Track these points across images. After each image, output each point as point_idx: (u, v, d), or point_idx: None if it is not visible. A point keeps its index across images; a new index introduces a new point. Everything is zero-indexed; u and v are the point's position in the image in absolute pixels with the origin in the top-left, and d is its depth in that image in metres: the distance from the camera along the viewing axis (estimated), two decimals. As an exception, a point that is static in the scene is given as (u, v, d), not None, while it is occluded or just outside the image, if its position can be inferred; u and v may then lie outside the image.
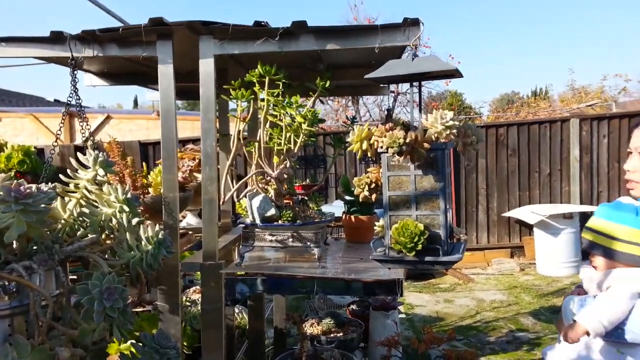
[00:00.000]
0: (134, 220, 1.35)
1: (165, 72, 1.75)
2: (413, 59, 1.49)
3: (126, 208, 1.26)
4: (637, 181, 1.58)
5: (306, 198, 2.71)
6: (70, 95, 1.75)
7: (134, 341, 1.27)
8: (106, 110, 10.25)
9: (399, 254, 1.51)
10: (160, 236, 1.28)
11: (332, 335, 2.69)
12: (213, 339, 1.81)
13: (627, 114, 7.60)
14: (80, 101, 1.74)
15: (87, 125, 1.74)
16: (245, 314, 3.05)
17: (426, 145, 1.45)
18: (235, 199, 2.16)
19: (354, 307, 3.14)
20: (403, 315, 4.34)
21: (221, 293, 1.77)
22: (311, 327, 2.81)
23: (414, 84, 1.57)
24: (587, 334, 1.47)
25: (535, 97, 20.70)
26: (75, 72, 1.76)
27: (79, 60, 1.77)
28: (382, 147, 1.47)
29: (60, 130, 1.88)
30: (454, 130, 1.47)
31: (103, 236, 1.42)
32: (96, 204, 1.32)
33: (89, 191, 1.32)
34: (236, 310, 3.13)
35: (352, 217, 2.25)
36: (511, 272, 7.10)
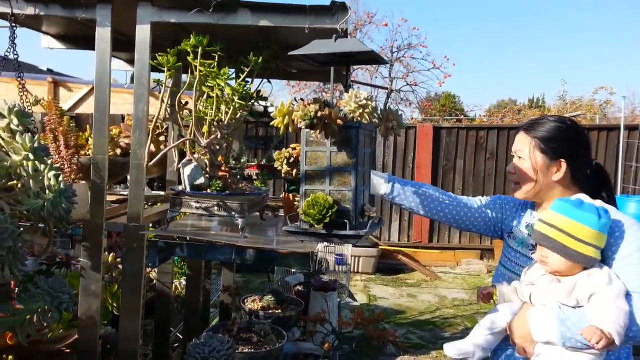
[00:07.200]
0: (51, 172, 1.39)
1: (103, 35, 1.79)
2: (335, 40, 1.54)
3: (32, 156, 1.30)
4: (515, 181, 1.62)
5: (254, 177, 2.76)
6: (7, 50, 1.78)
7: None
8: (92, 82, 10.20)
9: (310, 227, 1.57)
10: (62, 186, 1.33)
11: (270, 311, 2.75)
12: (131, 301, 1.84)
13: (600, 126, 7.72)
14: (17, 57, 1.77)
15: (23, 80, 1.78)
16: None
17: (339, 121, 1.50)
18: (175, 169, 2.21)
19: (299, 287, 3.21)
20: (357, 303, 4.41)
21: (142, 255, 1.82)
22: (252, 303, 2.87)
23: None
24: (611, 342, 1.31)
25: (531, 106, 20.80)
26: (15, 27, 1.79)
27: (20, 16, 1.80)
28: (299, 121, 1.52)
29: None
30: (368, 110, 1.52)
31: (19, 185, 1.47)
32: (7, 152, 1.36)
33: (2, 139, 1.36)
34: (183, 283, 3.19)
35: (290, 195, 2.30)
36: (478, 273, 7.20)
